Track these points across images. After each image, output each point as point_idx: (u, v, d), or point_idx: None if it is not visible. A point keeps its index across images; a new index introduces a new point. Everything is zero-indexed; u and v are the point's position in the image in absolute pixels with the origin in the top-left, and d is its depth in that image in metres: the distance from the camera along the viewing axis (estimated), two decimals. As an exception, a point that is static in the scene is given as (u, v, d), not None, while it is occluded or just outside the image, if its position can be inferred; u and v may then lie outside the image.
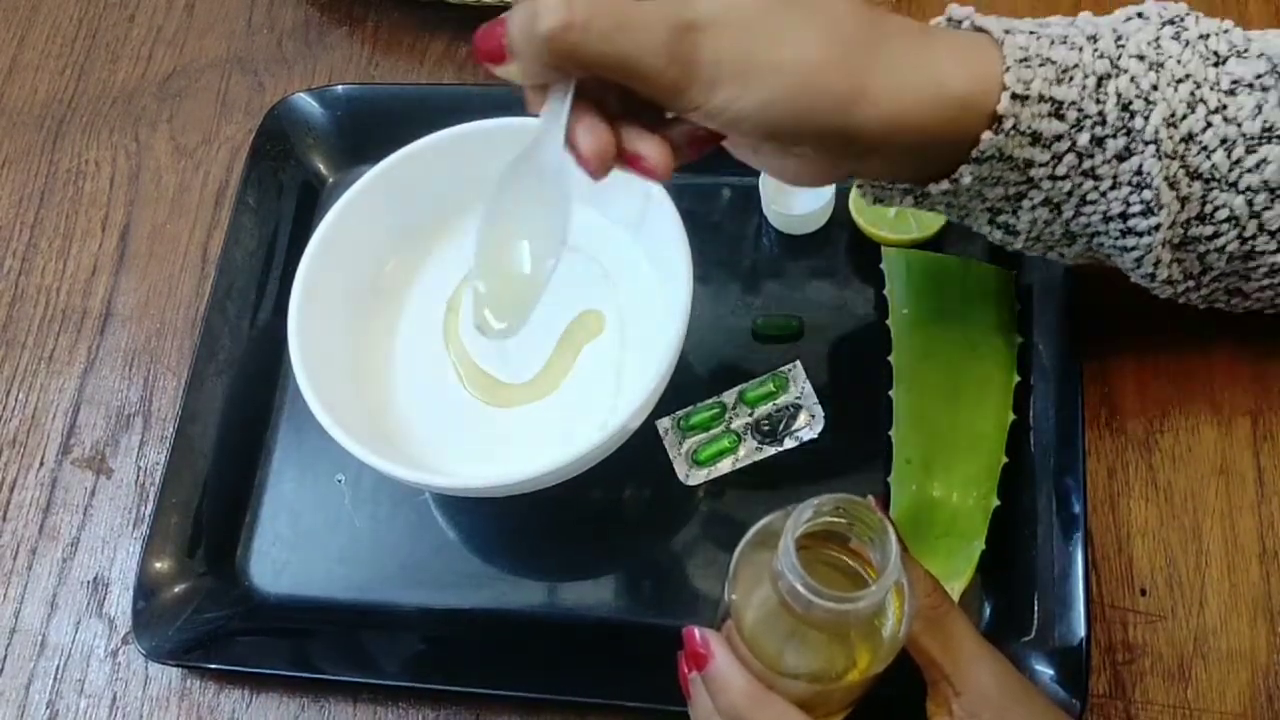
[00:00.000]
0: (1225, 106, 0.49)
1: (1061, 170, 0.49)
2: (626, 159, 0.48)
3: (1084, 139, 0.48)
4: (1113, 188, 0.50)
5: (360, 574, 0.64)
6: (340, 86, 0.76)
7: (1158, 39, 0.49)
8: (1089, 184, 0.50)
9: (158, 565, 0.63)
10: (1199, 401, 0.62)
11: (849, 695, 0.48)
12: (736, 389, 0.65)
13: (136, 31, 0.85)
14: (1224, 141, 0.49)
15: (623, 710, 0.58)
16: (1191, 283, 0.54)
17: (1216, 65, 0.49)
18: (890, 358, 0.63)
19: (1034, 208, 0.51)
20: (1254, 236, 0.51)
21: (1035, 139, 0.48)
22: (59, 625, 0.65)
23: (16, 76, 0.84)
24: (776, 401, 0.64)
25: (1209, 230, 0.51)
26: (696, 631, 0.47)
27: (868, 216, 0.67)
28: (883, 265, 0.66)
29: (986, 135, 0.47)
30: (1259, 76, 0.49)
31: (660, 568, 0.62)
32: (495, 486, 0.57)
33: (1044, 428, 0.61)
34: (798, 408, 0.64)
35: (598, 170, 0.47)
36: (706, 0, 0.45)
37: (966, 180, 0.49)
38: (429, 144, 0.64)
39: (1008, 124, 0.47)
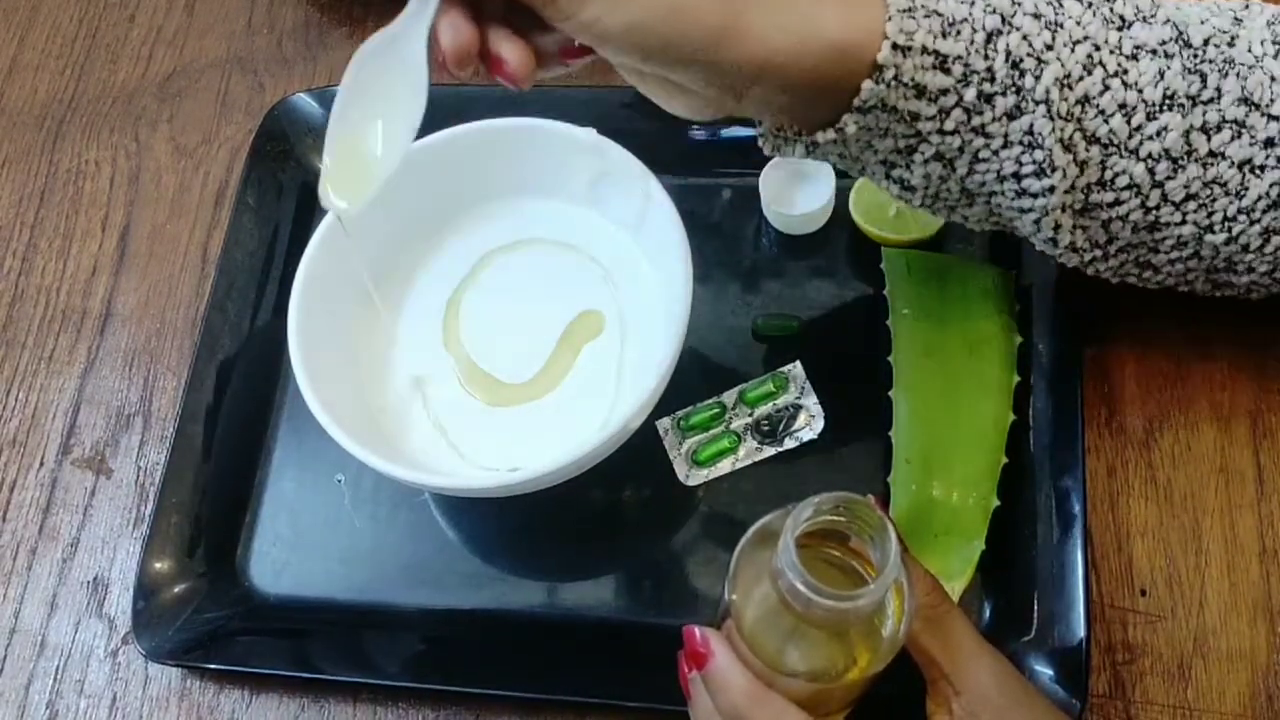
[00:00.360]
0: (1125, 71, 0.48)
1: (950, 125, 0.48)
2: (488, 61, 0.49)
3: (970, 94, 0.47)
4: (1004, 146, 0.49)
5: (360, 574, 0.64)
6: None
7: None
8: (979, 141, 0.49)
9: (158, 565, 0.64)
10: (1199, 401, 0.62)
11: (849, 694, 0.48)
12: (736, 389, 0.65)
13: (136, 31, 0.85)
14: (1122, 107, 0.48)
15: (623, 710, 0.58)
16: (1099, 252, 0.54)
17: (1120, 29, 0.48)
18: (890, 358, 0.63)
19: (925, 162, 0.50)
20: (1157, 206, 0.50)
21: (920, 92, 0.47)
22: (59, 625, 0.65)
23: (16, 76, 0.84)
24: (776, 402, 0.64)
25: (1110, 197, 0.50)
26: (696, 630, 0.47)
27: (868, 217, 0.67)
28: (883, 265, 0.66)
29: (867, 84, 0.47)
30: (1163, 43, 0.48)
31: (660, 568, 0.62)
32: (495, 487, 0.57)
33: (1044, 427, 0.61)
34: (798, 408, 0.64)
35: (455, 66, 0.48)
36: None
37: (851, 129, 0.48)
38: (429, 144, 0.64)
39: (888, 74, 0.46)
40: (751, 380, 0.65)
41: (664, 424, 0.64)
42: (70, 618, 0.65)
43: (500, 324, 0.65)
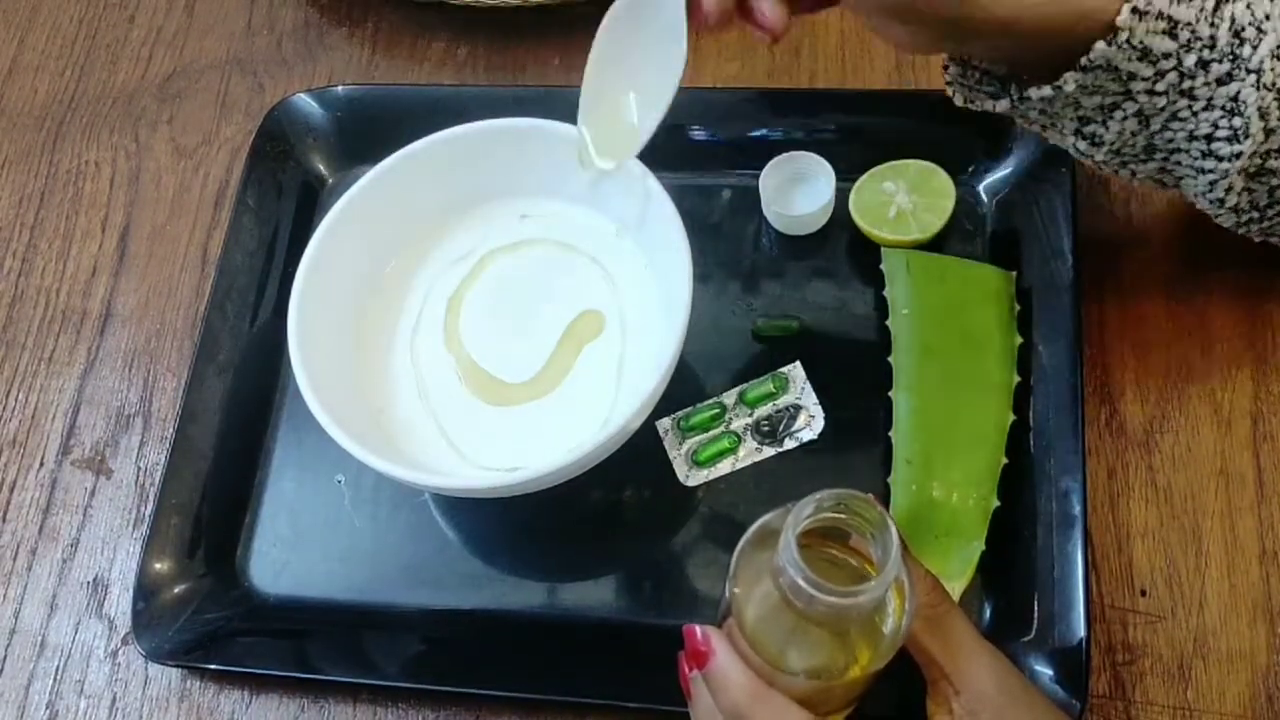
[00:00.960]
0: None
1: (1161, 87, 0.50)
2: (745, 11, 0.50)
3: (1190, 60, 0.49)
4: (1205, 109, 0.50)
5: (360, 574, 0.64)
6: (340, 87, 0.76)
7: None
8: (1183, 102, 0.50)
9: (157, 566, 0.63)
10: (1199, 402, 0.62)
11: (850, 692, 0.48)
12: (736, 389, 0.65)
13: (136, 32, 0.85)
14: None
15: (623, 710, 0.58)
16: (1255, 214, 0.55)
17: None
18: (890, 358, 0.63)
19: (1125, 119, 0.52)
20: None
21: (1144, 55, 0.48)
22: (59, 626, 0.65)
23: (16, 77, 0.84)
24: (776, 402, 0.64)
25: None
26: (697, 629, 0.47)
27: (868, 217, 0.67)
28: (883, 266, 0.66)
29: (1100, 45, 0.48)
30: None
31: (660, 568, 0.62)
32: (495, 487, 0.57)
33: (1044, 428, 0.61)
34: (797, 408, 0.64)
35: (716, 25, 0.49)
36: None
37: (1070, 88, 0.50)
38: (429, 144, 0.64)
39: (1122, 36, 0.47)
40: (751, 381, 0.65)
41: (664, 424, 0.64)
42: (70, 618, 0.65)
43: (501, 324, 0.65)
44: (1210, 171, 0.52)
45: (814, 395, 0.64)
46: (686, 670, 0.49)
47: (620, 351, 0.63)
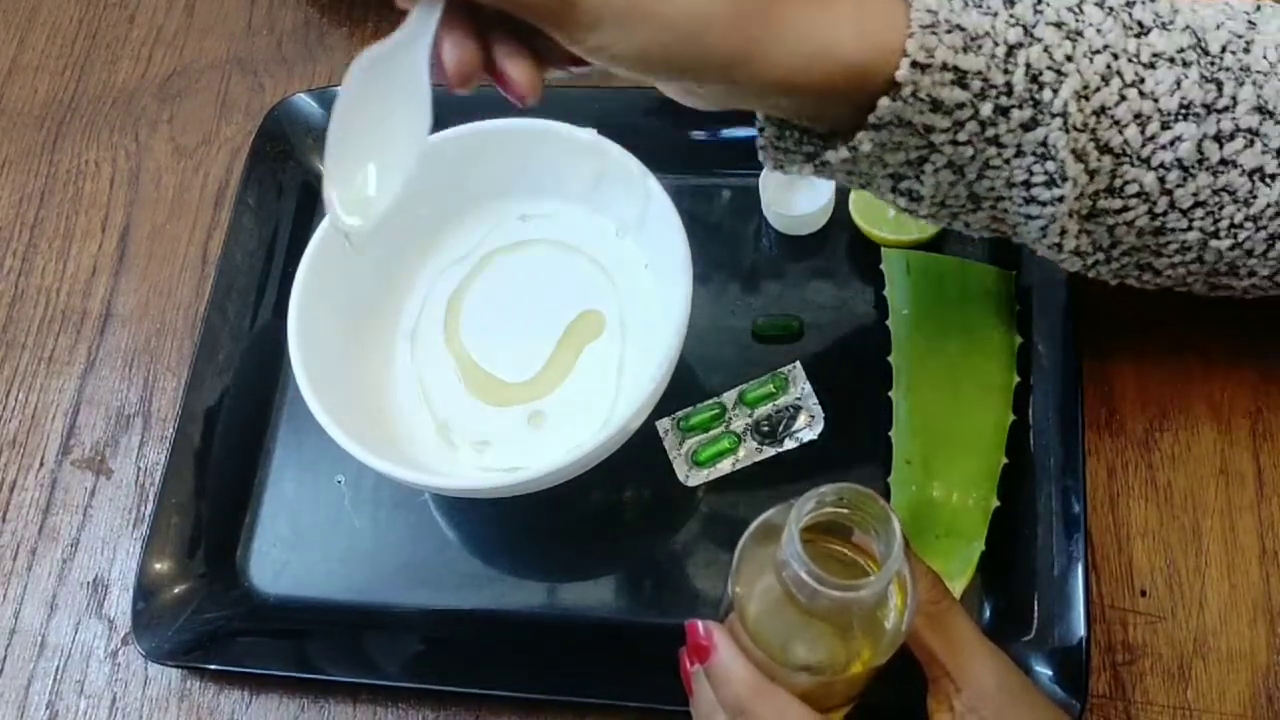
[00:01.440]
0: (1143, 80, 0.47)
1: (963, 137, 0.47)
2: (495, 75, 0.48)
3: (987, 109, 0.47)
4: (1016, 155, 0.48)
5: (360, 575, 0.64)
6: (340, 88, 0.76)
7: (1081, 3, 0.47)
8: (992, 150, 0.48)
9: (157, 566, 0.63)
10: (1199, 401, 0.62)
11: (851, 688, 0.48)
12: (736, 389, 0.65)
13: (136, 32, 0.85)
14: (1138, 116, 0.48)
15: (623, 710, 0.58)
16: (1101, 255, 0.53)
17: (1138, 36, 0.48)
18: (890, 358, 0.63)
19: (936, 171, 0.49)
20: (1165, 213, 0.50)
21: (936, 106, 0.46)
22: (59, 626, 0.65)
23: (16, 77, 0.84)
24: (776, 402, 0.64)
25: (1118, 204, 0.50)
26: (699, 624, 0.47)
27: (868, 217, 0.67)
28: (882, 266, 0.66)
29: (884, 102, 0.46)
30: (1180, 51, 0.48)
31: (660, 568, 0.62)
32: (495, 487, 0.57)
33: (1044, 428, 0.61)
34: (797, 408, 0.64)
35: (458, 86, 0.47)
36: None
37: (866, 148, 0.48)
38: (428, 145, 0.64)
39: (906, 91, 0.45)
40: (751, 381, 0.65)
41: (664, 424, 0.64)
42: (70, 618, 0.65)
43: (501, 324, 0.65)
44: (1038, 218, 0.50)
45: (814, 395, 0.64)
46: (688, 666, 0.49)
47: (620, 351, 0.63)
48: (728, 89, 0.47)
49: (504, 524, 0.64)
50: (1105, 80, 0.47)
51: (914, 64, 0.45)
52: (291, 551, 0.65)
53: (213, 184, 0.78)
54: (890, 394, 0.62)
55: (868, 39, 0.46)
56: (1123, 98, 0.47)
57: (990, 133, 0.47)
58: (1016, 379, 0.62)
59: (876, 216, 0.67)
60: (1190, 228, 0.51)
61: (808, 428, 0.63)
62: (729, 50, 0.45)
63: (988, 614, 0.58)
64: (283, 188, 0.75)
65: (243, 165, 0.75)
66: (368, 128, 0.51)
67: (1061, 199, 0.49)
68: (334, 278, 0.63)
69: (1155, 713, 0.56)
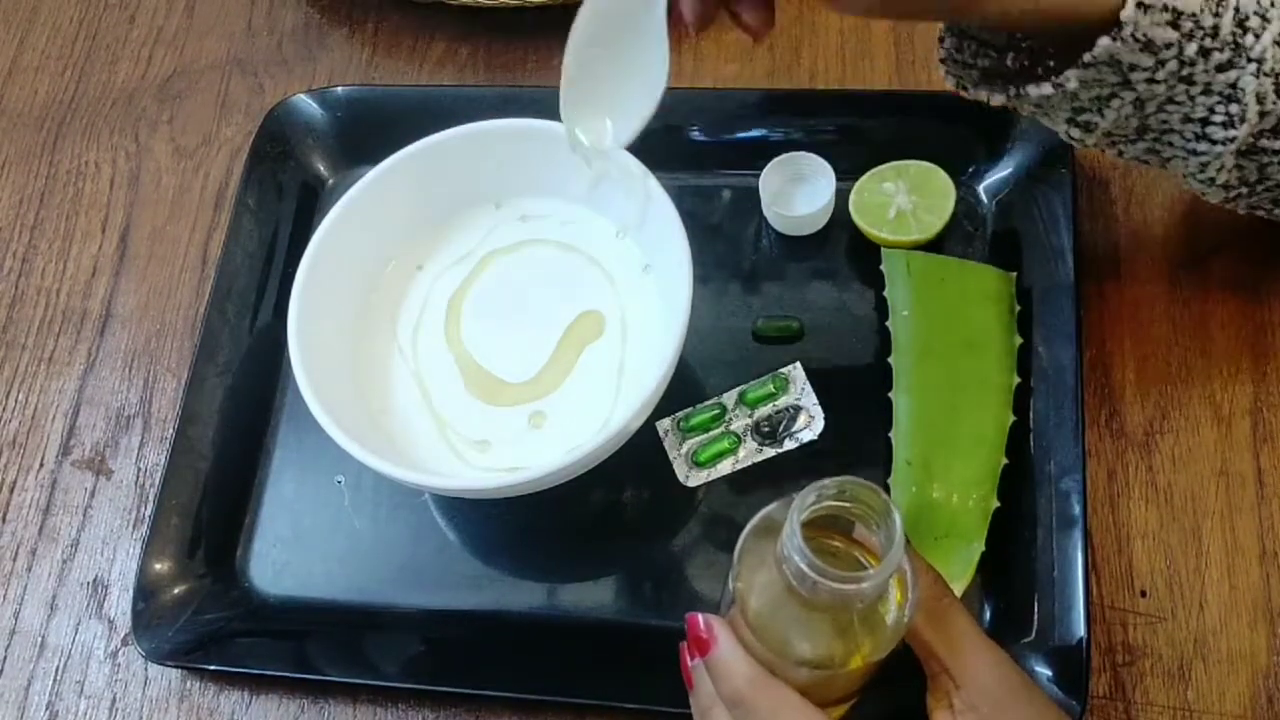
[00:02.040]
0: None
1: (1161, 76, 0.49)
2: (731, 16, 0.51)
3: (1192, 49, 0.48)
4: (1203, 93, 0.50)
5: (360, 575, 0.64)
6: (340, 88, 0.76)
7: None
8: (1181, 87, 0.50)
9: (157, 566, 0.63)
10: (1199, 403, 0.62)
11: (851, 684, 0.48)
12: (736, 390, 0.65)
13: (136, 33, 0.85)
14: None
15: (622, 711, 0.58)
16: (1245, 189, 0.55)
17: None
18: (890, 359, 0.63)
19: (1122, 106, 0.51)
20: None
21: (1147, 46, 0.48)
22: (59, 626, 0.65)
23: (16, 78, 0.84)
24: (776, 403, 0.64)
25: (1279, 144, 0.51)
26: (700, 617, 0.47)
27: (868, 218, 0.67)
28: (883, 267, 0.66)
29: (1103, 41, 0.47)
30: None
31: (660, 569, 0.62)
32: (495, 488, 0.57)
33: (1044, 429, 0.61)
34: (798, 409, 0.64)
35: (698, 30, 0.50)
36: None
37: (1073, 85, 0.49)
38: (429, 145, 0.64)
39: (1126, 31, 0.47)
40: (752, 381, 0.65)
41: (664, 425, 0.64)
42: (70, 619, 0.65)
43: (501, 325, 0.65)
44: (1203, 154, 0.52)
45: (814, 396, 0.64)
46: (688, 659, 0.49)
47: (620, 352, 0.63)
48: (954, 19, 0.50)
49: (504, 524, 0.64)
50: None
51: (1139, 4, 0.46)
52: (291, 552, 0.65)
53: (213, 185, 0.78)
54: (890, 395, 0.62)
55: None
56: None
57: (1186, 71, 0.49)
58: (1017, 380, 0.62)
59: (876, 217, 0.67)
60: None
61: (808, 428, 0.63)
62: None
63: (988, 615, 0.58)
64: (283, 188, 0.75)
65: (243, 166, 0.75)
66: (599, 80, 0.54)
67: (1234, 139, 0.50)
68: (334, 278, 0.63)
69: (1155, 713, 0.56)
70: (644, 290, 0.64)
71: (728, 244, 0.69)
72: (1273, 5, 0.48)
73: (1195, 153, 0.53)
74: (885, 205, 0.67)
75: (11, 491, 0.69)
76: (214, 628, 0.63)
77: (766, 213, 0.69)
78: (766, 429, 0.64)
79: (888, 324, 0.64)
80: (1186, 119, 0.51)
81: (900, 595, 0.44)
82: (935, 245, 0.66)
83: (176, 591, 0.63)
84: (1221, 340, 0.63)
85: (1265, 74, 0.49)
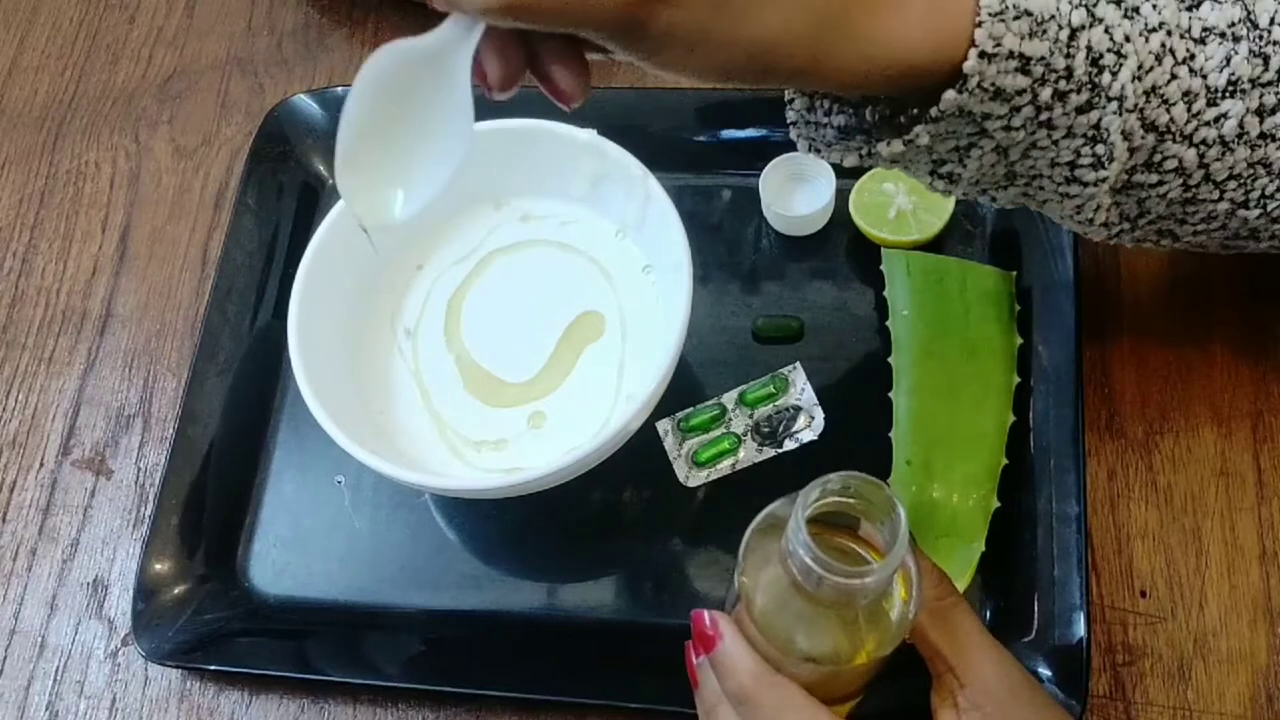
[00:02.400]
0: (1193, 56, 0.47)
1: (1017, 122, 0.47)
2: (540, 77, 0.46)
3: (1046, 94, 0.46)
4: (1066, 137, 0.48)
5: (360, 575, 0.64)
6: (340, 88, 0.76)
7: None
8: (1043, 133, 0.48)
9: (158, 566, 0.63)
10: (1199, 403, 0.62)
11: (855, 680, 0.48)
12: (736, 390, 0.65)
13: (136, 33, 0.85)
14: (1185, 94, 0.47)
15: (623, 711, 0.58)
16: (1127, 224, 0.53)
17: (1191, 9, 0.47)
18: (890, 359, 0.63)
19: (982, 155, 0.49)
20: (1198, 185, 0.50)
21: (997, 94, 0.45)
22: (59, 626, 0.65)
23: (16, 78, 0.84)
24: (776, 403, 0.64)
25: (1154, 179, 0.50)
26: (705, 614, 0.47)
27: (868, 218, 0.67)
28: (883, 267, 0.66)
29: (949, 95, 0.45)
30: (1231, 25, 0.47)
31: (660, 568, 0.62)
32: (495, 488, 0.57)
33: (1044, 429, 0.61)
34: (798, 409, 0.64)
35: (499, 93, 0.46)
36: None
37: (924, 140, 0.47)
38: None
39: (972, 82, 0.45)
40: (752, 381, 0.65)
41: (664, 425, 0.64)
42: (70, 619, 0.65)
43: (501, 325, 0.65)
44: (1076, 196, 0.50)
45: (814, 396, 0.64)
46: (693, 657, 0.48)
47: (620, 352, 0.63)
48: (791, 87, 0.47)
49: (504, 524, 0.64)
50: (1158, 59, 0.47)
51: (981, 54, 0.44)
52: (291, 552, 0.65)
53: (213, 185, 0.78)
54: (890, 395, 0.62)
55: (936, 35, 0.45)
56: (1174, 76, 0.47)
57: (1044, 117, 0.47)
58: (1017, 380, 0.62)
59: (877, 217, 0.67)
60: (1221, 199, 0.51)
61: (808, 428, 0.63)
62: (800, 63, 0.45)
63: (988, 615, 0.58)
64: (283, 188, 0.75)
65: (243, 166, 0.75)
66: (393, 130, 0.48)
67: (1105, 180, 0.49)
68: (334, 278, 0.63)
69: (1155, 713, 0.56)
70: (644, 290, 0.64)
71: (728, 244, 0.69)
72: (1127, 40, 0.46)
73: (1068, 195, 0.50)
74: (885, 205, 0.67)
75: (11, 491, 0.69)
76: (214, 628, 0.63)
77: (766, 213, 0.69)
78: (766, 429, 0.64)
79: (888, 324, 0.64)
80: (1053, 164, 0.49)
81: (905, 592, 0.44)
82: (935, 245, 0.66)
83: (176, 591, 0.63)
84: (1221, 340, 0.63)
85: (1127, 110, 0.47)
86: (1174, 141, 0.48)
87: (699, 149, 0.72)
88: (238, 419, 0.68)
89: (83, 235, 0.77)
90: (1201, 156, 0.49)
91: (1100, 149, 0.48)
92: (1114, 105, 0.46)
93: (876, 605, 0.44)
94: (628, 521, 0.64)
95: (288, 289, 0.61)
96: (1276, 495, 0.60)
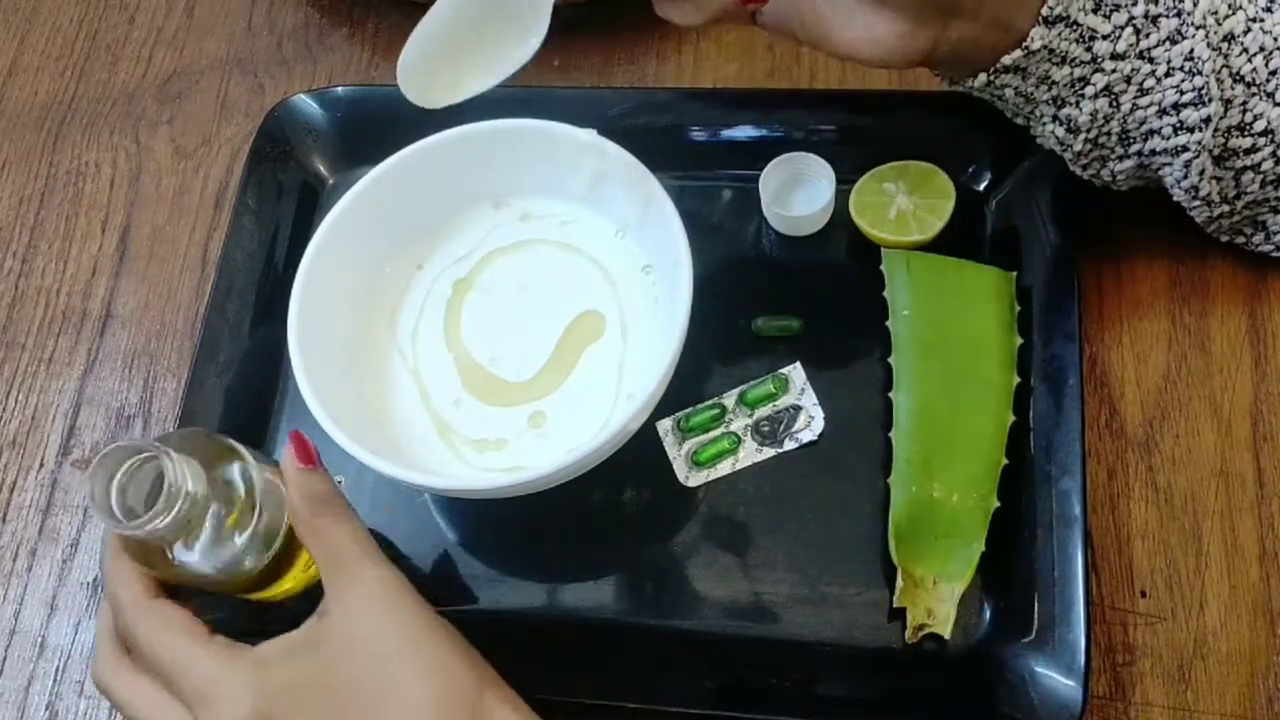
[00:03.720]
0: (1262, 20, 0.53)
1: (1122, 46, 0.52)
2: None
3: (1139, 10, 0.51)
4: (1167, 74, 0.53)
5: (360, 575, 0.64)
6: (340, 88, 0.76)
7: None
8: (1146, 68, 0.52)
9: (157, 566, 0.63)
10: (1199, 403, 0.62)
11: (248, 579, 0.54)
12: (736, 390, 0.65)
13: (136, 33, 0.85)
14: (1262, 49, 0.53)
15: (622, 711, 0.58)
16: (1226, 207, 0.58)
17: None
18: (890, 359, 0.63)
19: (1095, 96, 0.54)
20: None
21: (1097, 5, 0.51)
22: (59, 627, 0.65)
23: (17, 78, 0.84)
24: (776, 403, 0.64)
25: (1247, 143, 0.55)
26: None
27: (868, 218, 0.67)
28: (883, 267, 0.66)
29: None
30: None
31: (660, 568, 0.62)
32: (495, 488, 0.57)
33: (1044, 429, 0.61)
34: (797, 409, 0.64)
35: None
36: None
37: (1037, 44, 0.52)
38: (428, 145, 0.64)
39: None
40: (751, 381, 0.65)
41: (664, 425, 0.64)
42: (70, 619, 0.65)
43: (501, 324, 0.65)
44: (1185, 149, 0.54)
45: (814, 396, 0.64)
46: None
47: (620, 352, 0.63)
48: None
49: (504, 524, 0.64)
50: (1232, 9, 0.52)
51: None
52: (291, 552, 0.65)
53: (213, 185, 0.78)
54: (890, 395, 0.62)
55: None
56: (1248, 28, 0.53)
57: (1144, 44, 0.52)
58: (1017, 380, 0.62)
59: (877, 217, 0.67)
60: None
61: (807, 428, 0.63)
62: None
63: (988, 615, 0.58)
64: (283, 188, 0.75)
65: (243, 166, 0.75)
66: (472, 21, 0.54)
67: (1208, 120, 0.53)
68: (334, 278, 0.63)
69: (1155, 714, 0.56)
70: (644, 290, 0.64)
71: (728, 244, 0.69)
72: None
73: (1179, 151, 0.54)
74: (885, 205, 0.67)
75: (11, 491, 0.69)
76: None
77: (766, 213, 0.69)
78: (766, 429, 0.64)
79: (888, 324, 0.64)
80: (1161, 110, 0.53)
81: (241, 510, 0.51)
82: (935, 245, 0.66)
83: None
84: (1221, 340, 0.63)
85: (1212, 46, 0.52)
86: (1260, 98, 0.54)
87: (699, 149, 0.72)
88: (238, 419, 0.68)
89: (83, 235, 0.77)
90: None
91: (1199, 80, 0.52)
92: (1200, 34, 0.51)
93: (217, 528, 0.51)
94: (628, 521, 0.64)
95: (288, 289, 0.61)
96: (1276, 495, 0.60)
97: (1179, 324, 0.64)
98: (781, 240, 0.69)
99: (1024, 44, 0.52)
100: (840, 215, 0.68)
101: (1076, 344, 0.61)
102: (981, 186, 0.69)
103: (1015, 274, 0.65)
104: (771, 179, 0.68)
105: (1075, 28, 0.51)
